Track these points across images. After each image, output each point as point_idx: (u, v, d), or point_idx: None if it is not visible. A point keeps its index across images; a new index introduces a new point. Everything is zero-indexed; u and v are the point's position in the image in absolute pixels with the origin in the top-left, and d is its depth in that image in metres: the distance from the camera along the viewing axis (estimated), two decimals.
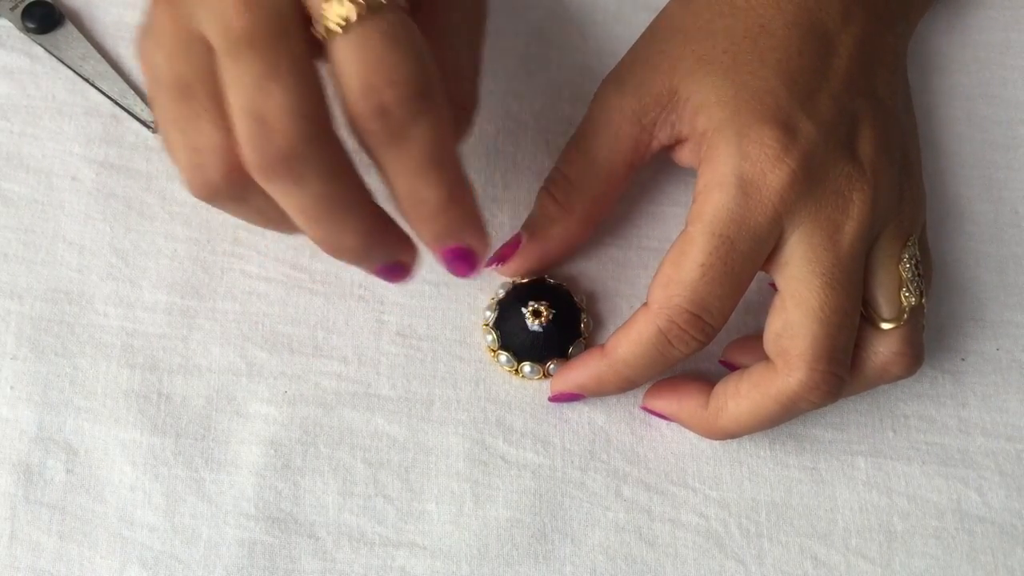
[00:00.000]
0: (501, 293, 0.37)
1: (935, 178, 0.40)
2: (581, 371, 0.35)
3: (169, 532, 0.34)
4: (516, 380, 0.37)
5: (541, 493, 0.35)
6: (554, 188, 0.36)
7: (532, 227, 0.36)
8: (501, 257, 0.37)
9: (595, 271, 0.38)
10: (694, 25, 0.34)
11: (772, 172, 0.31)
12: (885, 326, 0.33)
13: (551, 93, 0.40)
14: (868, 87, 0.34)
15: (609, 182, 0.35)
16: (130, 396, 0.35)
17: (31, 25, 0.39)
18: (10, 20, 0.39)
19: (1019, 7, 0.43)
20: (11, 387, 0.35)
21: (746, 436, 0.36)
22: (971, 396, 0.38)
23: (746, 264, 0.31)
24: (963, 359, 0.38)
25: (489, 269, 0.37)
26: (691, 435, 0.36)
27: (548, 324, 0.36)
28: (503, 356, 0.36)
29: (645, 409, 0.36)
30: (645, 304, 0.33)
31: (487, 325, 0.37)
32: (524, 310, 0.36)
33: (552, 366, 0.36)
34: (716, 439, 0.35)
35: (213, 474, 0.35)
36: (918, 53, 0.42)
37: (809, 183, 0.31)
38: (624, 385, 0.34)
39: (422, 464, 0.35)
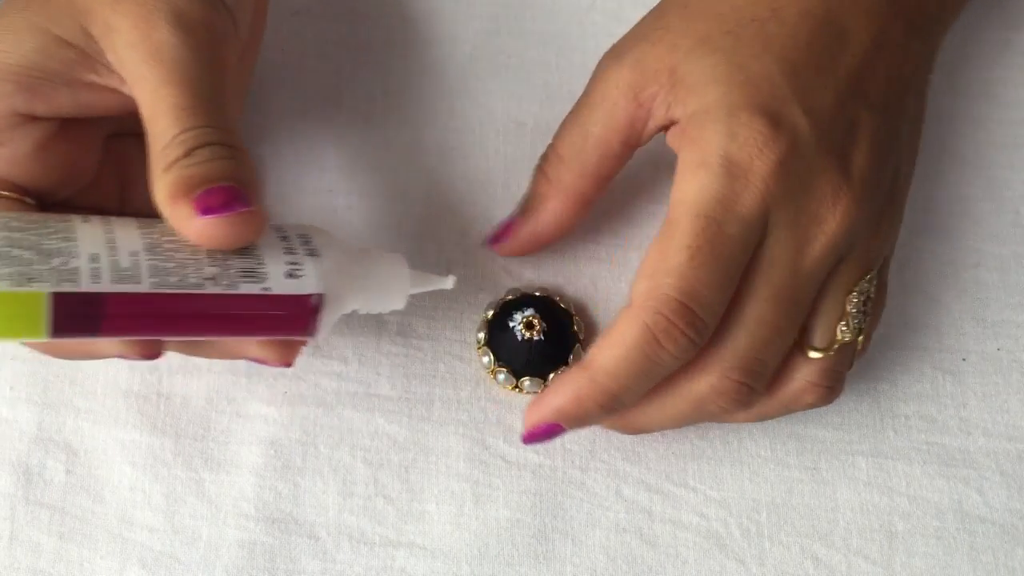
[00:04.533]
0: (488, 313, 0.37)
1: (936, 178, 0.40)
2: (557, 393, 0.30)
3: (169, 533, 0.34)
4: (520, 396, 0.36)
5: (541, 493, 0.35)
6: (546, 164, 0.35)
7: (525, 205, 0.35)
8: (496, 238, 0.36)
9: (594, 272, 0.38)
10: (700, 4, 0.33)
11: (759, 158, 0.29)
12: (812, 354, 0.32)
13: (550, 94, 0.40)
14: (876, 97, 0.32)
15: (602, 158, 0.33)
16: (130, 396, 0.35)
17: None
18: None
19: (1020, 7, 0.43)
20: (11, 387, 0.35)
21: (746, 436, 0.36)
22: (972, 396, 0.38)
23: (736, 250, 0.29)
24: (964, 359, 0.38)
25: (490, 273, 0.37)
26: (691, 435, 0.36)
27: (542, 334, 0.36)
28: (501, 375, 0.36)
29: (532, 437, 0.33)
30: (627, 304, 0.30)
31: (480, 346, 0.37)
32: (514, 324, 0.36)
33: (553, 377, 0.36)
34: (629, 434, 0.35)
35: (213, 474, 0.35)
36: None
37: (794, 180, 0.30)
38: (609, 403, 0.30)
39: (422, 464, 0.35)
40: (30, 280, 0.24)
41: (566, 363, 0.36)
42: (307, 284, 0.28)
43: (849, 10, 0.32)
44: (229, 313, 0.27)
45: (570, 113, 0.35)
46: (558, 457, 0.36)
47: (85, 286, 0.25)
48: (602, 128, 0.33)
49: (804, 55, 0.31)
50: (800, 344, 0.32)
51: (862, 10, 0.32)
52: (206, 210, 0.26)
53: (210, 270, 0.27)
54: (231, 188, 0.27)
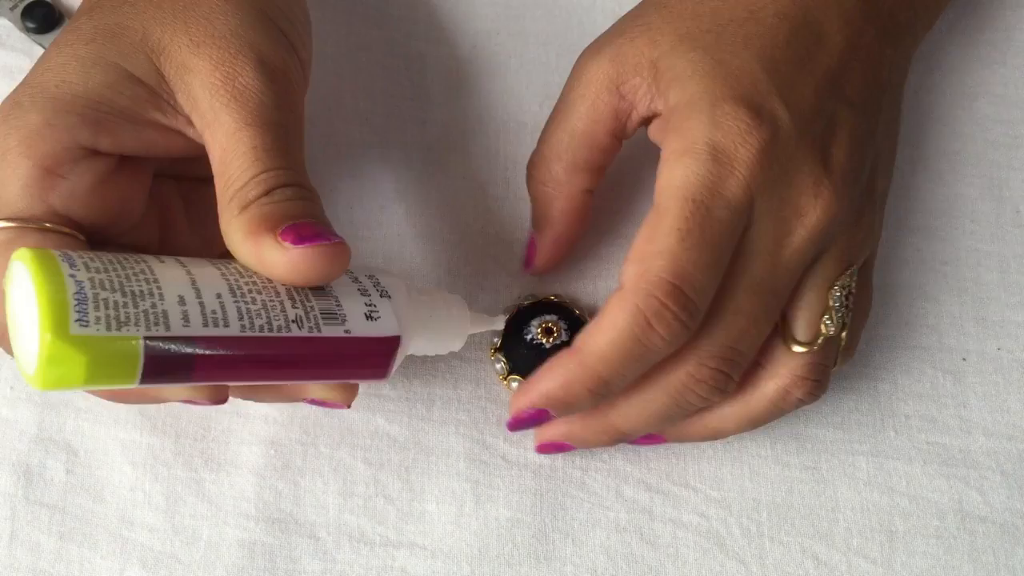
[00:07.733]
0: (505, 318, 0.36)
1: (936, 178, 0.40)
2: (545, 377, 0.30)
3: (169, 533, 0.34)
4: None
5: (542, 493, 0.35)
6: (536, 171, 0.35)
7: (534, 218, 0.36)
8: (527, 261, 0.37)
9: (595, 272, 0.38)
10: (679, 5, 0.33)
11: (743, 145, 0.30)
12: (796, 348, 0.32)
13: (550, 94, 0.40)
14: (853, 94, 0.33)
15: (591, 151, 0.34)
16: None
17: (31, 25, 0.39)
18: (10, 20, 0.39)
19: (1020, 6, 0.43)
20: (11, 387, 0.35)
21: (746, 436, 0.36)
22: (972, 396, 0.38)
23: (724, 233, 0.29)
24: (964, 359, 0.38)
25: (490, 273, 0.37)
26: None
27: (559, 341, 0.35)
28: (515, 383, 0.36)
29: (543, 449, 0.35)
30: (618, 288, 0.29)
31: (494, 351, 0.36)
32: (533, 330, 0.36)
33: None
34: (609, 443, 0.34)
35: (213, 474, 0.35)
36: (919, 52, 0.42)
37: (776, 170, 0.30)
38: (598, 388, 0.29)
39: (422, 464, 0.35)
40: (121, 325, 0.23)
41: None
42: (385, 326, 0.27)
43: (824, 14, 0.33)
44: (314, 356, 0.26)
45: (552, 114, 0.35)
46: (558, 457, 0.36)
47: (176, 330, 0.23)
48: (586, 122, 0.33)
49: (783, 53, 0.32)
50: (784, 338, 0.32)
51: (837, 15, 0.33)
52: (298, 239, 0.26)
53: (293, 312, 0.26)
54: (316, 223, 0.27)
